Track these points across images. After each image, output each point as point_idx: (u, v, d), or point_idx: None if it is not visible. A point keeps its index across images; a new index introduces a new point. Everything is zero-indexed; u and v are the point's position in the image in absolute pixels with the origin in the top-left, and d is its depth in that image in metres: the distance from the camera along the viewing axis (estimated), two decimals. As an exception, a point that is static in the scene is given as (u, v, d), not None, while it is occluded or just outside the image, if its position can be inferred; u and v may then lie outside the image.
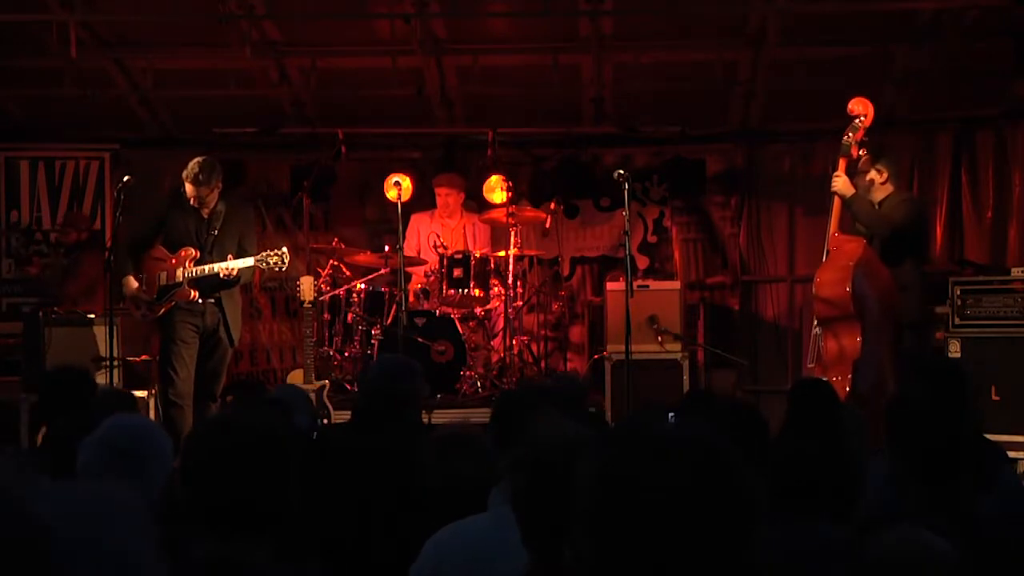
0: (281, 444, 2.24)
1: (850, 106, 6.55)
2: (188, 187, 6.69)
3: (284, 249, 6.78)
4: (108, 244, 7.54)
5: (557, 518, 2.14)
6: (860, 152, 6.51)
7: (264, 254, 6.72)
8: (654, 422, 1.48)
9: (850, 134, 6.49)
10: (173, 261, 6.78)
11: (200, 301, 6.75)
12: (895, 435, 2.86)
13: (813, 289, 6.43)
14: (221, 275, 6.68)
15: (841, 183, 6.45)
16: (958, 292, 6.97)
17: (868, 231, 6.45)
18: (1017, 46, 8.08)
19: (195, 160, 6.74)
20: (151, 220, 6.93)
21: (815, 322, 6.48)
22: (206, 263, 6.72)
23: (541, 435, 2.50)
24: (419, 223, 8.74)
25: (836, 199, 6.46)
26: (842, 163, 6.51)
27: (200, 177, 6.65)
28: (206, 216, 6.78)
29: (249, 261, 6.69)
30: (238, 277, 6.76)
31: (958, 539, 2.57)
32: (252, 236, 7.00)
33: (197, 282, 6.73)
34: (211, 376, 6.85)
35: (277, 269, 6.76)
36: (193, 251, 6.75)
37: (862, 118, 6.47)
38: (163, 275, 6.78)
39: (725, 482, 1.40)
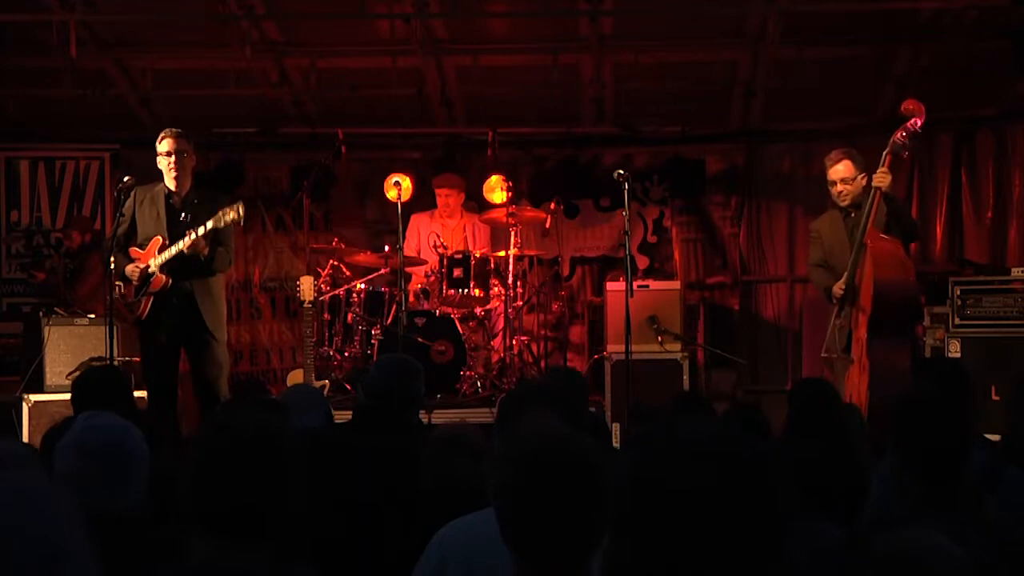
0: (280, 447, 2.23)
1: (904, 105, 6.35)
2: (167, 142, 6.47)
3: (239, 202, 6.47)
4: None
5: (539, 515, 2.14)
6: (906, 154, 6.41)
7: (220, 212, 6.42)
8: (686, 424, 1.50)
9: (903, 133, 6.29)
10: (143, 257, 6.54)
11: (188, 291, 6.49)
12: (900, 434, 2.86)
13: (867, 282, 6.19)
14: (185, 251, 6.37)
15: (888, 180, 6.24)
16: (958, 292, 6.97)
17: (904, 232, 6.32)
18: (1017, 46, 8.07)
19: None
20: (126, 222, 6.62)
21: (838, 311, 6.29)
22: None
23: (525, 431, 2.51)
24: (419, 223, 8.75)
25: (877, 195, 6.22)
26: (888, 160, 6.27)
27: (179, 131, 6.50)
28: (177, 205, 6.54)
29: (208, 224, 6.37)
30: (211, 256, 6.47)
31: (962, 539, 2.57)
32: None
33: (166, 267, 6.46)
34: (208, 380, 6.55)
35: (235, 222, 6.44)
36: (160, 239, 6.49)
37: (915, 118, 6.29)
38: (134, 272, 6.52)
39: (756, 482, 1.41)
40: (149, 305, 6.56)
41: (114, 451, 2.84)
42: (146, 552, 2.64)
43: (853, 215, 6.42)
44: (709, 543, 1.37)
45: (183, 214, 6.54)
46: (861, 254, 6.19)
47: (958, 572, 1.91)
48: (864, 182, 6.36)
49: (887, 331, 6.17)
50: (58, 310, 7.75)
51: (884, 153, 6.30)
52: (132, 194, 6.59)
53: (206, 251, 6.44)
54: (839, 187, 6.41)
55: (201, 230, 6.38)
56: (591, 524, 2.05)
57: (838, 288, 6.29)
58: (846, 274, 6.23)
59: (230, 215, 6.43)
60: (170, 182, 6.56)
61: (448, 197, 8.73)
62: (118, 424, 2.93)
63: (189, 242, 6.36)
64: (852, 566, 2.06)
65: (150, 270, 6.50)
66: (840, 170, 6.40)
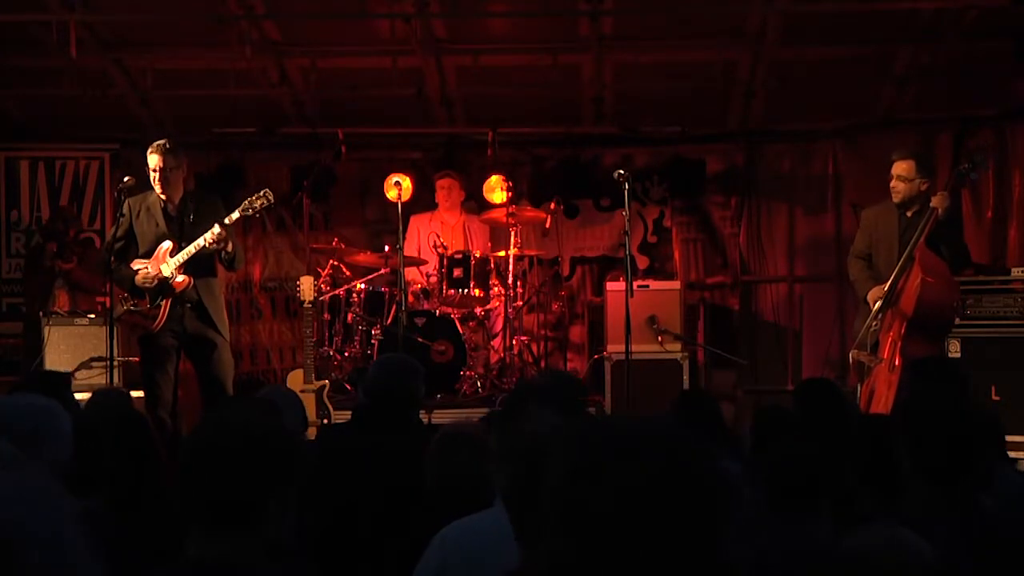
0: (264, 442, 2.26)
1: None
2: (154, 158, 6.42)
3: (265, 190, 6.49)
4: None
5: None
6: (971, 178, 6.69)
7: (247, 201, 6.43)
8: (616, 418, 1.52)
9: (977, 161, 6.57)
10: (152, 264, 6.50)
11: (195, 296, 6.48)
12: (907, 436, 2.86)
13: (911, 289, 6.25)
14: (207, 245, 6.32)
15: (945, 205, 6.38)
16: (958, 292, 6.97)
17: (951, 258, 6.43)
18: (1017, 46, 8.07)
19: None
20: (121, 239, 6.58)
21: (875, 313, 6.35)
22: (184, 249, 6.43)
23: (531, 427, 2.51)
24: (419, 223, 8.75)
25: (933, 215, 6.33)
26: (950, 185, 6.55)
27: (167, 146, 6.43)
28: (174, 213, 6.51)
29: (234, 215, 6.38)
30: (232, 253, 6.43)
31: (961, 538, 2.57)
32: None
33: (186, 267, 6.42)
34: (218, 381, 6.51)
35: (263, 206, 6.45)
36: (168, 243, 6.47)
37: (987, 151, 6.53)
38: (148, 280, 6.47)
39: (687, 474, 1.42)
40: (167, 311, 6.50)
41: (36, 431, 2.98)
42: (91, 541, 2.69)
43: (910, 215, 6.54)
44: (642, 536, 1.38)
45: (186, 215, 6.52)
46: (909, 265, 6.28)
47: (924, 569, 1.91)
48: (923, 188, 6.52)
49: (923, 336, 6.28)
50: (56, 310, 7.74)
51: (947, 179, 6.58)
52: (126, 204, 6.54)
53: (227, 244, 6.39)
54: (894, 182, 6.59)
55: (226, 221, 6.36)
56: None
57: (878, 292, 6.39)
58: (889, 281, 6.33)
59: (258, 202, 6.44)
60: (160, 195, 6.53)
61: (447, 189, 8.73)
62: (39, 403, 3.09)
63: (212, 236, 6.32)
64: (821, 563, 2.07)
65: (166, 275, 6.46)
66: (901, 166, 6.58)
